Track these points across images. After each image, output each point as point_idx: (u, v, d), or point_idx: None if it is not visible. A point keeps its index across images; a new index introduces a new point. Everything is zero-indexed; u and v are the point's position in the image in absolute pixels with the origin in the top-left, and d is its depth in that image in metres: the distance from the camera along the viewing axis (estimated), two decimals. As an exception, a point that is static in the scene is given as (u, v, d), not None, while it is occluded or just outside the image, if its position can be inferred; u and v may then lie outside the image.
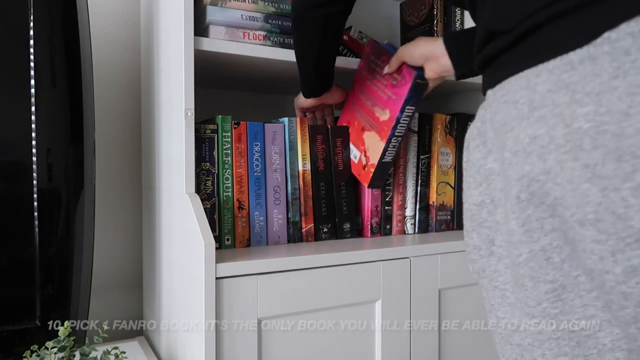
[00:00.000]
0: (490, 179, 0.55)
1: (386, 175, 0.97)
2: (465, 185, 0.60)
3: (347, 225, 0.97)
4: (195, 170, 0.82)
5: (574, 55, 0.45)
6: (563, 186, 0.45)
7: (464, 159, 0.60)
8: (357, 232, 1.00)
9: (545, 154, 0.46)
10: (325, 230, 0.95)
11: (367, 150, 0.95)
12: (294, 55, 0.86)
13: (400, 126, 0.89)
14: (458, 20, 1.17)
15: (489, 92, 0.55)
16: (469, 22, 1.22)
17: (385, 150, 0.92)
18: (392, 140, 0.91)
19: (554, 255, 0.48)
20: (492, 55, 0.54)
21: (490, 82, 0.55)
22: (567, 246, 0.48)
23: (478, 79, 1.12)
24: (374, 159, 0.93)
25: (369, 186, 0.96)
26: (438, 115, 1.07)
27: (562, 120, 0.45)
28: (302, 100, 0.96)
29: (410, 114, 0.89)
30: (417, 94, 0.87)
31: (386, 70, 0.89)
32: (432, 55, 0.80)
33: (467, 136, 0.60)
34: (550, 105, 0.46)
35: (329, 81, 0.91)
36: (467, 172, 0.60)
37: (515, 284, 0.53)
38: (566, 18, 0.46)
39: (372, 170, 0.94)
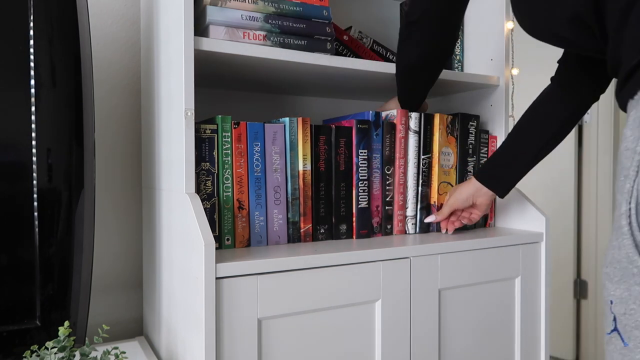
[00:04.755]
0: None
1: (371, 222, 1.01)
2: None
3: (343, 227, 0.97)
4: (195, 170, 0.82)
5: None
6: None
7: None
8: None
9: None
10: (322, 230, 0.95)
11: None
12: (296, 56, 0.89)
13: (361, 169, 0.98)
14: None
15: None
16: (468, 23, 1.22)
17: (357, 196, 0.98)
18: (360, 185, 0.98)
19: None
20: None
21: None
22: None
23: (478, 78, 1.12)
24: (354, 209, 0.99)
25: (357, 237, 0.99)
26: (439, 115, 1.07)
27: None
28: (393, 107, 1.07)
29: (365, 155, 0.99)
30: (364, 136, 0.99)
31: (436, 218, 1.04)
32: (475, 195, 0.98)
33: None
34: None
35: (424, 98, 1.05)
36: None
37: None
38: None
39: (354, 219, 0.98)
